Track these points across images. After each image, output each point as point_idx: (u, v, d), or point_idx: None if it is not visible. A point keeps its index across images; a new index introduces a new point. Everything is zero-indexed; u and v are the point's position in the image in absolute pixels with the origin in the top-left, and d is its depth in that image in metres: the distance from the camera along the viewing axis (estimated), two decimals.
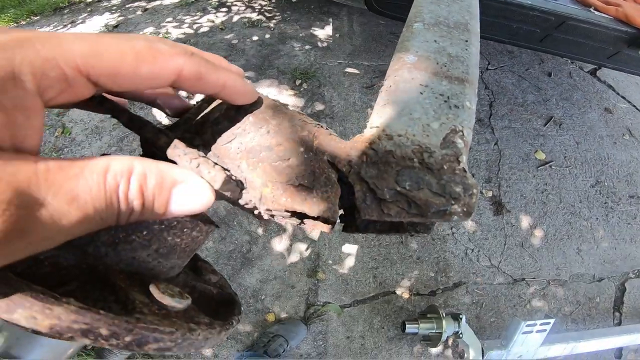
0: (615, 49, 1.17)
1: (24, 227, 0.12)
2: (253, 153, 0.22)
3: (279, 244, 1.70)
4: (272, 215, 0.23)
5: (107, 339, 0.15)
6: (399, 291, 1.63)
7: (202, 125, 0.23)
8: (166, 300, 0.18)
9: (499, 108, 2.32)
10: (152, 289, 0.18)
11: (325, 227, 0.23)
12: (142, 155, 0.21)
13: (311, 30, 2.83)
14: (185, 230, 0.20)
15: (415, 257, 1.71)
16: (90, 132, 2.10)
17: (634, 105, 2.59)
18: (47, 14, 3.65)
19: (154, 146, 0.20)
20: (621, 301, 1.72)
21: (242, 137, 0.23)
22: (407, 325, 1.41)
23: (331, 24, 2.91)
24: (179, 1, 3.35)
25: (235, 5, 3.18)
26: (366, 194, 0.22)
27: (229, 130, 0.23)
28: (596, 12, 1.15)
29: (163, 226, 0.19)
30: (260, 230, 1.72)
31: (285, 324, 1.51)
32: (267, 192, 0.21)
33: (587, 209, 1.95)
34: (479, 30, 0.40)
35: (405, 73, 0.29)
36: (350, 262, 1.67)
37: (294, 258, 1.67)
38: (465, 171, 0.22)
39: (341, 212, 0.24)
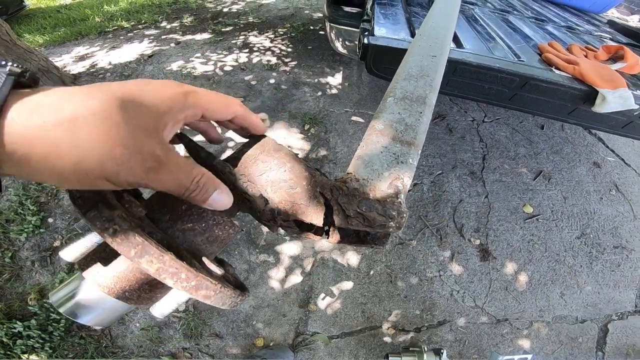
0: (574, 106, 1.21)
1: (158, 169, 0.23)
2: (275, 182, 0.33)
3: (276, 274, 1.74)
4: (281, 225, 0.34)
5: (182, 281, 0.23)
6: (385, 326, 1.64)
7: (245, 162, 0.34)
8: (212, 266, 0.28)
9: (491, 161, 2.36)
10: (204, 259, 0.29)
11: (315, 237, 0.35)
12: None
13: (323, 77, 2.91)
14: (226, 227, 0.31)
15: (402, 295, 1.73)
16: None
17: (622, 159, 2.60)
18: (92, 37, 3.83)
19: (207, 164, 0.31)
20: (604, 341, 1.71)
21: (269, 172, 0.33)
22: (390, 358, 1.41)
23: (342, 72, 2.99)
24: (208, 38, 3.51)
25: (258, 47, 3.31)
26: (339, 212, 0.32)
27: (261, 167, 0.34)
28: (557, 72, 1.19)
29: (215, 222, 0.30)
30: (260, 259, 1.78)
31: (273, 349, 1.53)
32: (281, 206, 0.32)
33: (572, 257, 1.96)
34: (434, 101, 0.49)
35: (374, 137, 0.39)
36: (341, 296, 1.70)
37: (288, 289, 1.71)
38: (401, 203, 0.32)
39: (326, 228, 0.35)
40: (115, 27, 4.00)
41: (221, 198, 0.27)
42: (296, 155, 0.36)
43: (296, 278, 1.74)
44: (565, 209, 2.16)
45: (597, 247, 2.03)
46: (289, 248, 1.84)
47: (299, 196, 0.33)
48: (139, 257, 0.22)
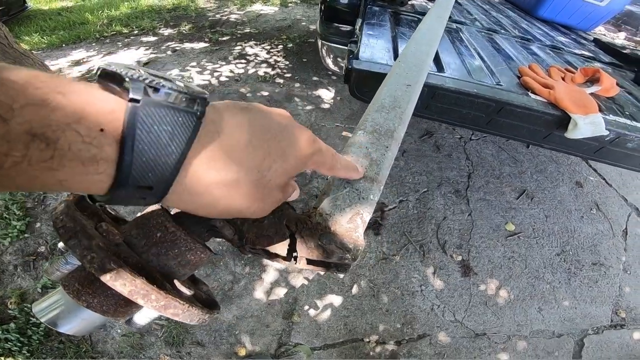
0: (548, 131, 1.19)
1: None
2: None
3: (260, 286, 1.74)
4: (250, 251, 0.36)
5: (152, 301, 0.25)
6: (366, 339, 1.64)
7: None
8: (182, 288, 0.30)
9: (476, 180, 2.38)
10: (175, 281, 0.31)
11: (282, 262, 0.37)
12: None
13: (316, 91, 2.93)
14: (198, 252, 0.32)
15: (384, 309, 1.73)
16: None
17: (604, 179, 2.65)
18: (90, 41, 3.82)
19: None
20: (579, 355, 1.73)
21: None
22: None
23: (334, 86, 3.01)
24: (205, 47, 3.52)
25: (253, 58, 3.32)
26: (302, 244, 0.35)
27: None
28: (533, 96, 1.17)
29: (187, 248, 0.31)
30: (245, 270, 1.78)
31: (255, 359, 1.53)
32: (249, 236, 0.35)
33: (551, 273, 1.99)
34: (402, 134, 0.50)
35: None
36: (324, 309, 1.70)
37: (272, 300, 1.70)
38: (359, 237, 0.35)
39: (295, 254, 0.37)
40: (114, 32, 4.00)
41: (294, 196, 0.35)
42: None
43: (280, 290, 1.74)
44: (547, 227, 2.20)
45: (575, 264, 2.06)
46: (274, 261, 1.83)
47: (265, 227, 0.35)
48: (113, 280, 0.24)
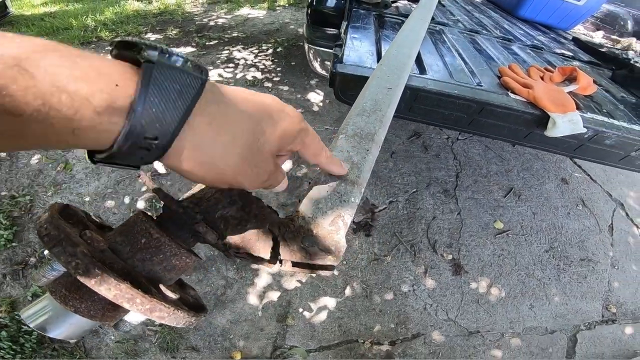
0: (528, 130, 1.21)
1: (268, 180, 0.33)
2: (227, 219, 0.36)
3: (253, 290, 1.75)
4: (234, 255, 0.38)
5: (137, 305, 0.26)
6: (361, 340, 1.66)
7: (203, 200, 0.37)
8: (167, 292, 0.31)
9: (464, 179, 2.43)
10: (161, 285, 0.32)
11: (268, 266, 0.38)
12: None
13: (305, 94, 2.95)
14: (183, 257, 0.33)
15: (378, 310, 1.76)
16: (90, 172, 2.15)
17: (589, 175, 2.73)
18: (74, 46, 3.80)
19: (172, 207, 0.35)
20: (573, 351, 1.76)
21: (223, 210, 0.37)
22: None
23: (323, 89, 3.03)
24: (192, 51, 3.51)
25: (241, 62, 3.33)
26: (285, 247, 0.36)
27: (216, 205, 0.37)
28: (512, 96, 1.20)
29: (172, 253, 0.32)
30: (238, 275, 1.79)
31: None
32: (232, 240, 0.36)
33: (540, 270, 2.03)
34: (383, 137, 0.52)
35: (322, 177, 0.43)
36: (318, 311, 1.72)
37: (266, 304, 1.71)
38: (340, 239, 0.36)
39: (280, 257, 0.38)
40: (99, 38, 3.95)
41: (283, 186, 0.36)
42: (249, 193, 0.39)
43: (274, 293, 1.75)
44: (534, 224, 2.25)
45: (564, 260, 2.11)
46: None
47: (249, 232, 0.37)
48: (98, 285, 0.25)
